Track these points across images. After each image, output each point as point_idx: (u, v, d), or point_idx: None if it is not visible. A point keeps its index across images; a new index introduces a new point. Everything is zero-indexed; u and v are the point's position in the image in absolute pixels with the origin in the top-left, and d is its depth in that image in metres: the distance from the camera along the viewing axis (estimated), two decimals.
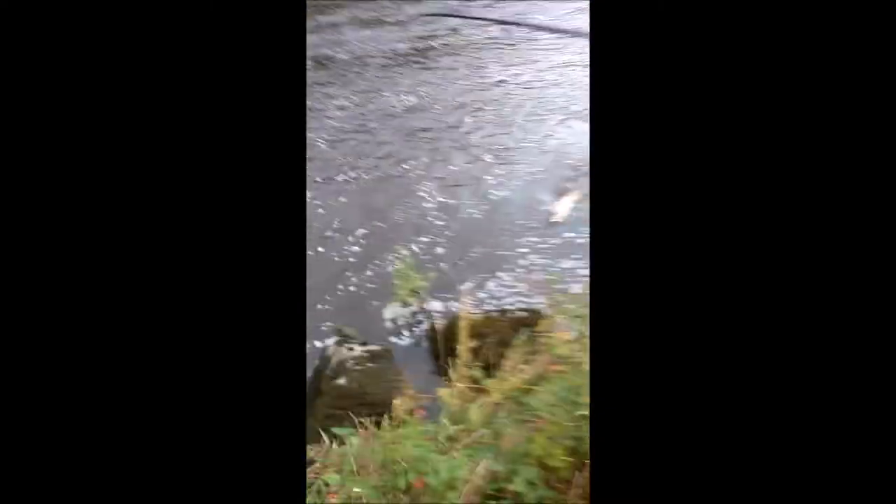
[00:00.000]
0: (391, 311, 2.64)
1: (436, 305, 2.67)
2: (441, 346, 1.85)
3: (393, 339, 2.53)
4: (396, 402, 1.27)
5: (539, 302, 2.61)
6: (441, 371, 2.14)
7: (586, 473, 1.26)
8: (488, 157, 3.84)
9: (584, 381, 1.34)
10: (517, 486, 1.08)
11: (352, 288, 2.80)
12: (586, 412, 1.27)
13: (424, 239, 3.09)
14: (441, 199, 3.42)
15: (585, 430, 1.27)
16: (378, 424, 1.35)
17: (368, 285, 2.81)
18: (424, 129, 4.21)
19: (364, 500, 1.04)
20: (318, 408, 1.92)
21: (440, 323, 2.39)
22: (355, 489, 1.02)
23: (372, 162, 3.83)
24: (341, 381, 1.97)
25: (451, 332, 2.30)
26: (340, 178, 3.69)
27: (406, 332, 2.57)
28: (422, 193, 3.47)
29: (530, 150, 3.87)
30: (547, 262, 2.83)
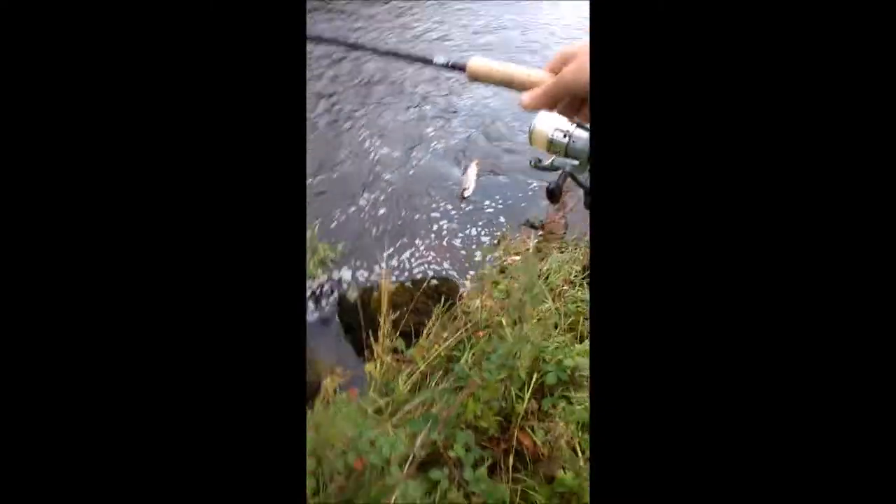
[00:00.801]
0: None
1: (346, 275, 2.56)
2: (362, 317, 1.78)
3: None
4: (326, 381, 1.19)
5: (447, 269, 2.66)
6: (357, 344, 2.08)
7: (512, 431, 1.35)
8: (429, 110, 3.79)
9: (507, 345, 1.40)
10: (457, 451, 1.10)
11: None
12: (512, 372, 1.34)
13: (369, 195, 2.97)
14: (384, 152, 3.32)
15: (512, 390, 1.35)
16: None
17: None
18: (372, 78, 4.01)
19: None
20: None
21: (352, 294, 2.30)
22: None
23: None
24: None
25: (364, 304, 2.24)
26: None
27: (312, 306, 2.43)
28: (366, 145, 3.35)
29: (467, 108, 3.85)
30: (456, 228, 2.87)
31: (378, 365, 1.48)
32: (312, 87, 3.82)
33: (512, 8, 5.42)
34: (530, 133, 0.57)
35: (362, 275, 2.58)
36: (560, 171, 0.56)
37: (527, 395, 1.32)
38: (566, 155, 0.55)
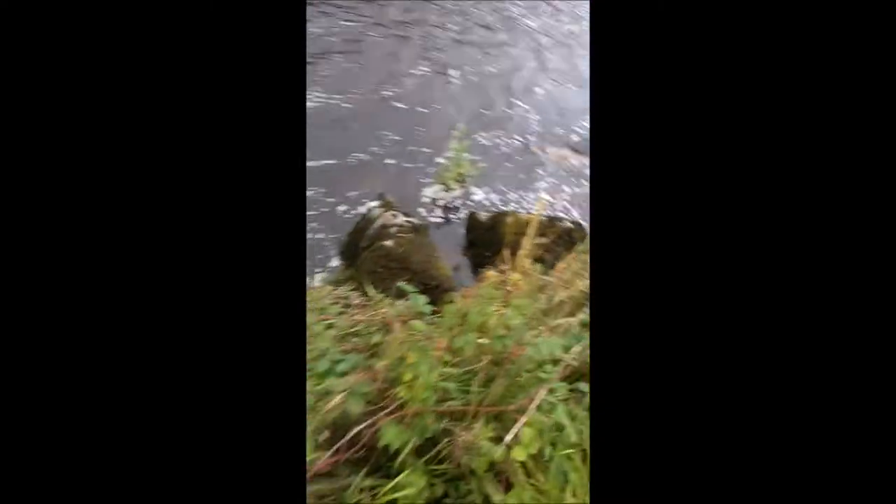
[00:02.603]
0: (432, 191, 2.53)
1: (478, 196, 2.59)
2: (508, 234, 1.80)
3: (425, 217, 2.47)
4: (490, 272, 1.24)
5: (579, 218, 2.59)
6: (475, 259, 2.13)
7: None
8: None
9: None
10: None
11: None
12: None
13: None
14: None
15: None
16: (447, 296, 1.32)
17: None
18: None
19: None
20: (362, 263, 1.88)
21: (483, 214, 2.33)
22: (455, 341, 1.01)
23: None
24: (387, 243, 1.91)
25: (493, 226, 2.26)
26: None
27: (440, 214, 2.50)
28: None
29: None
30: None
31: (521, 277, 1.50)
32: None
33: None
34: None
35: (494, 198, 2.59)
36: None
37: None
38: None
